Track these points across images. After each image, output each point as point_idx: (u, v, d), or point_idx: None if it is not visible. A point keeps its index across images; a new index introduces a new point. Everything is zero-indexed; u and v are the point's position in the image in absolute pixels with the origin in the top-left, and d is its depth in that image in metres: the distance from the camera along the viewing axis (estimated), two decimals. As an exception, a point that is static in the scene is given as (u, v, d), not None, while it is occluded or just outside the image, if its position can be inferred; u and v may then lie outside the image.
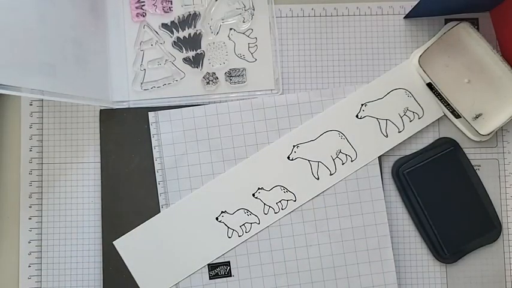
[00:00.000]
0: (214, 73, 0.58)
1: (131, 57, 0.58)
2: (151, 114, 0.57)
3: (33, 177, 0.57)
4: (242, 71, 0.58)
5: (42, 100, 0.58)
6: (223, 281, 0.55)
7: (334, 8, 0.59)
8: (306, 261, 0.56)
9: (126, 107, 0.58)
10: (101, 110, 0.57)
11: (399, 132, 0.57)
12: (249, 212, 0.56)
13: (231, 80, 0.58)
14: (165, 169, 0.56)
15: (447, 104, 0.56)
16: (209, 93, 0.58)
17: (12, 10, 0.42)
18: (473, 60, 0.57)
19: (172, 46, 0.58)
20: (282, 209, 0.56)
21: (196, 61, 0.58)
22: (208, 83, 0.58)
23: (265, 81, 0.58)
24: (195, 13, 0.58)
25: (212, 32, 0.58)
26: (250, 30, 0.58)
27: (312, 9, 0.59)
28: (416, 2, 0.55)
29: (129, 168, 0.57)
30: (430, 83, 0.56)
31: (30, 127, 0.58)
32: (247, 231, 0.56)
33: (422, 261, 0.57)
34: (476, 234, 0.56)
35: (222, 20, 0.58)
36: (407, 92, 0.57)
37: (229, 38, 0.58)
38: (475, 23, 0.58)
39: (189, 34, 0.58)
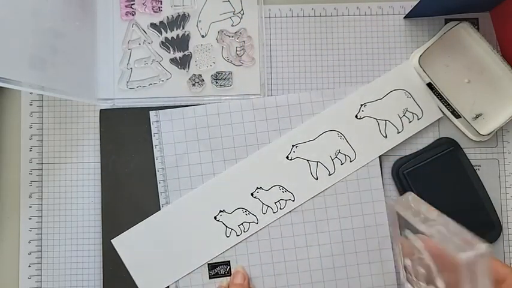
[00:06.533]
0: (201, 75, 0.58)
1: (118, 56, 0.58)
2: (152, 113, 0.57)
3: (33, 177, 0.57)
4: (228, 74, 0.58)
5: (42, 100, 0.58)
6: (223, 280, 0.55)
7: (334, 8, 0.59)
8: (306, 262, 0.55)
9: (111, 104, 0.58)
10: (101, 110, 0.57)
11: (398, 133, 0.57)
12: (248, 212, 0.56)
13: (217, 82, 0.58)
14: (166, 168, 0.56)
15: (447, 104, 0.56)
16: (195, 95, 0.58)
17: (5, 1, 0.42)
18: (473, 60, 0.57)
19: (160, 46, 0.58)
20: (281, 208, 0.56)
21: (183, 62, 0.58)
22: (194, 84, 0.58)
23: (251, 85, 0.58)
24: (184, 14, 0.58)
25: (200, 34, 0.58)
26: (239, 34, 0.58)
27: (312, 9, 0.59)
28: (416, 2, 0.55)
29: (129, 168, 0.57)
30: (430, 83, 0.56)
31: (30, 127, 0.58)
32: (245, 230, 0.56)
33: (422, 261, 0.57)
34: (476, 234, 0.56)
35: (211, 22, 0.58)
36: (407, 93, 0.57)
37: (217, 41, 0.58)
38: (475, 23, 0.58)
39: (177, 35, 0.58)
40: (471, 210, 0.56)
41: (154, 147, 0.56)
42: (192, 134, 0.57)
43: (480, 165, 0.57)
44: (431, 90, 0.57)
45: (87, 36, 0.57)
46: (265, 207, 0.56)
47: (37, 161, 0.58)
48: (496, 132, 0.57)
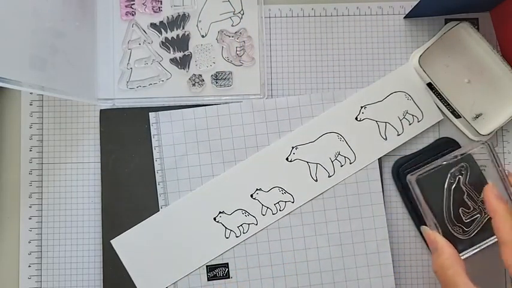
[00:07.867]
0: (201, 75, 0.58)
1: (118, 55, 0.58)
2: (152, 114, 0.57)
3: (33, 177, 0.58)
4: (228, 74, 0.58)
5: (42, 100, 0.58)
6: (222, 282, 0.55)
7: (334, 8, 0.59)
8: (304, 264, 0.56)
9: (111, 104, 0.58)
10: (101, 110, 0.57)
11: (398, 135, 0.57)
12: (247, 213, 0.56)
13: (217, 82, 0.58)
14: (165, 170, 0.56)
15: (447, 104, 0.56)
16: (195, 95, 0.58)
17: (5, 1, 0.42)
18: (473, 60, 0.57)
19: (160, 46, 0.58)
20: (280, 210, 0.56)
21: (183, 62, 0.58)
22: (194, 84, 0.58)
23: (251, 85, 0.58)
24: (184, 14, 0.58)
25: (200, 34, 0.58)
26: (239, 34, 0.58)
27: (312, 9, 0.59)
28: (416, 2, 0.55)
29: (129, 168, 0.57)
30: (430, 83, 0.56)
31: (30, 127, 0.58)
32: (244, 232, 0.56)
33: (422, 261, 0.57)
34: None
35: (211, 22, 0.58)
36: (407, 95, 0.57)
37: (217, 41, 0.58)
38: (475, 23, 0.58)
39: (177, 35, 0.58)
40: (471, 210, 0.56)
41: (153, 148, 0.56)
42: (191, 135, 0.57)
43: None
44: (431, 91, 0.56)
45: (87, 36, 0.57)
46: (264, 208, 0.56)
47: (37, 161, 0.58)
48: (496, 132, 0.57)
